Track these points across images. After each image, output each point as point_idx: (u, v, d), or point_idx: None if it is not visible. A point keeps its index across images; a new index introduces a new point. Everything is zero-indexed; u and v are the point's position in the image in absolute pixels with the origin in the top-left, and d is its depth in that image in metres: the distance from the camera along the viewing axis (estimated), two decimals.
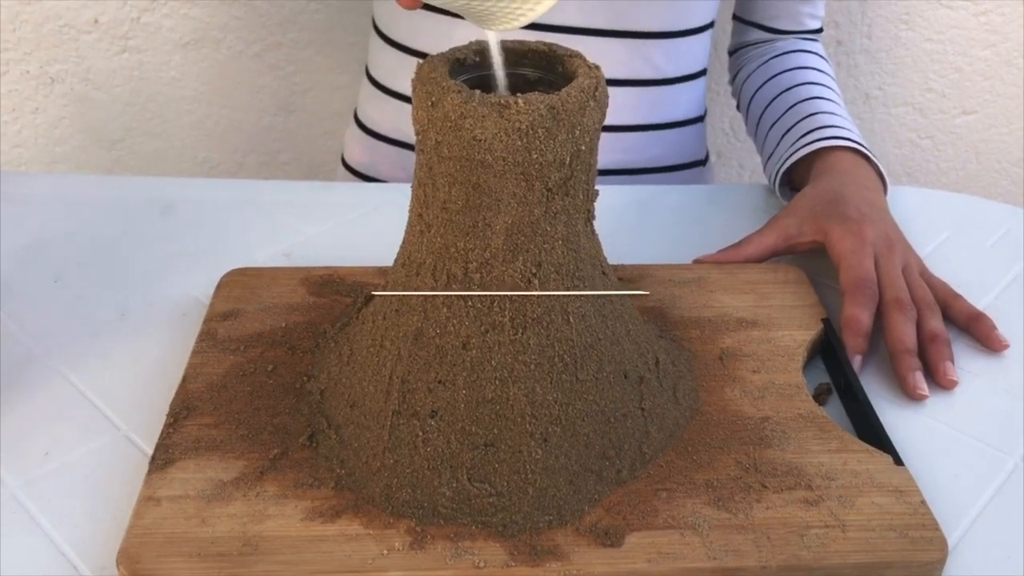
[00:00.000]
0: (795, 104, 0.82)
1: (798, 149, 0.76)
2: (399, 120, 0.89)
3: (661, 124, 0.88)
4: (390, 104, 0.89)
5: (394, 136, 0.90)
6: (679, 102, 0.89)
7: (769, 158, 0.81)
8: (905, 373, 0.59)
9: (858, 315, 0.61)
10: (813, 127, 0.78)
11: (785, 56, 0.89)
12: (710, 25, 0.89)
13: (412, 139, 0.87)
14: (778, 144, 0.80)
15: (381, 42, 0.89)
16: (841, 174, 0.72)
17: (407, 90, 0.86)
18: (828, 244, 0.66)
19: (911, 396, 0.58)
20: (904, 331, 0.60)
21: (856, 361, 0.59)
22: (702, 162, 0.95)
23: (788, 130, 0.80)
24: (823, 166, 0.74)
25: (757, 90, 0.88)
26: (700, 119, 0.94)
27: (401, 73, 0.88)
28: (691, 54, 0.88)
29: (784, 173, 0.77)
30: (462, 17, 0.80)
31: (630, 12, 0.81)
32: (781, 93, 0.85)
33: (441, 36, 0.83)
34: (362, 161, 0.94)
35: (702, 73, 0.92)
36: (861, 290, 0.62)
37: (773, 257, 0.69)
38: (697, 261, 0.68)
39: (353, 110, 0.97)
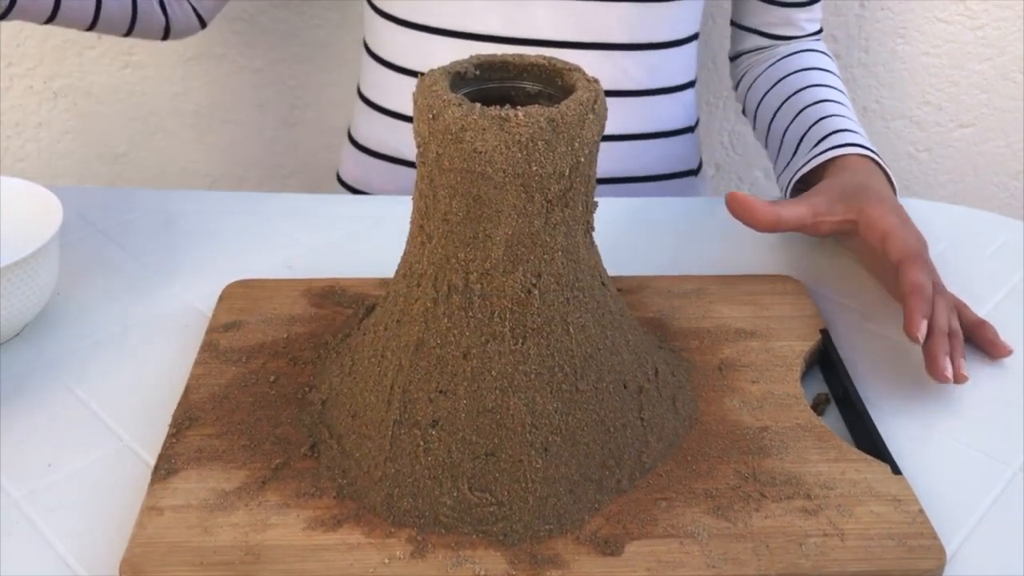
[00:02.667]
0: (804, 108, 0.81)
1: (813, 158, 0.75)
2: (387, 135, 0.90)
3: (644, 134, 0.88)
4: (377, 119, 0.90)
5: (383, 151, 0.91)
6: (662, 113, 0.89)
7: (785, 167, 0.80)
8: (937, 352, 0.59)
9: (923, 281, 0.61)
10: (825, 133, 0.77)
11: (789, 58, 0.88)
12: (690, 39, 0.89)
13: (401, 154, 0.89)
14: (794, 153, 0.79)
15: (368, 58, 0.91)
16: (860, 173, 0.72)
17: (393, 105, 0.88)
18: (867, 222, 0.65)
19: (937, 377, 0.58)
20: (943, 315, 0.60)
21: (923, 326, 0.59)
22: (694, 171, 0.94)
23: (801, 138, 0.79)
24: (839, 167, 0.73)
25: (764, 95, 0.87)
26: (689, 130, 0.93)
27: (384, 88, 0.89)
28: (670, 66, 0.87)
29: (798, 181, 0.77)
30: (445, 33, 0.81)
31: (597, 23, 0.81)
32: (789, 97, 0.84)
33: (424, 54, 0.84)
34: (355, 176, 0.95)
35: (688, 85, 0.91)
36: (920, 260, 0.62)
37: (796, 231, 0.67)
38: (731, 197, 0.65)
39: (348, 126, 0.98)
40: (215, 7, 0.88)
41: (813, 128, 0.79)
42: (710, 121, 1.24)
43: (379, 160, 0.91)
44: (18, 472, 0.53)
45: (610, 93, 0.84)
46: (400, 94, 0.88)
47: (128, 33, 0.80)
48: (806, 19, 0.90)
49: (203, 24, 0.88)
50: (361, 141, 0.93)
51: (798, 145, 0.79)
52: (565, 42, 0.81)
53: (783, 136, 0.82)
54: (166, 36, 0.84)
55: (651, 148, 0.89)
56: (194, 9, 0.86)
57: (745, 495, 0.50)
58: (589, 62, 0.81)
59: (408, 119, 0.87)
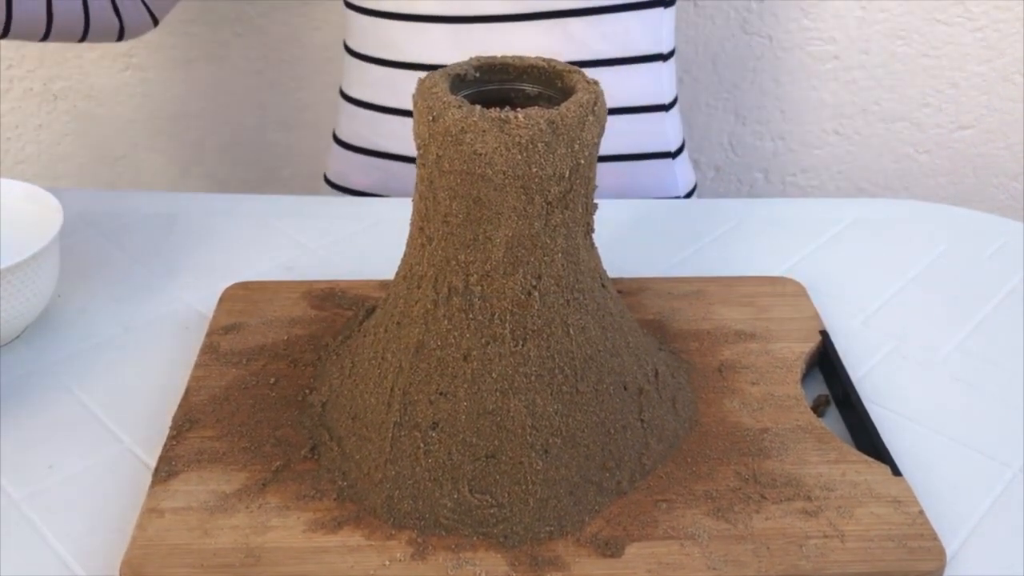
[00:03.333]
0: None
1: None
2: (363, 128, 0.90)
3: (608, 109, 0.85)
4: (353, 113, 0.91)
5: (360, 144, 0.91)
6: (626, 87, 0.85)
7: None
8: None
9: None
10: None
11: None
12: (653, 4, 0.85)
13: (376, 146, 0.90)
14: None
15: (353, 60, 0.91)
16: None
17: (364, 96, 0.88)
18: None
19: None
20: None
21: None
22: (670, 154, 0.90)
23: None
24: None
25: None
26: (662, 108, 0.89)
27: (374, 87, 0.89)
28: (628, 32, 0.84)
29: None
30: (392, 17, 0.81)
31: None
32: None
33: (380, 40, 0.84)
34: (336, 172, 0.95)
35: (658, 57, 0.87)
36: None
37: None
38: None
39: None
40: (168, 5, 0.87)
41: None
42: (709, 123, 1.24)
43: (356, 154, 0.92)
44: (19, 474, 0.53)
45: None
46: (365, 84, 0.89)
47: (83, 39, 0.80)
48: None
49: (156, 22, 0.87)
50: (343, 138, 0.94)
51: None
52: (508, 15, 0.80)
53: None
54: (121, 37, 0.83)
55: (615, 125, 0.85)
56: (147, 7, 0.85)
57: (745, 497, 0.50)
58: (539, 33, 0.80)
59: (378, 109, 0.88)
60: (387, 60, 0.86)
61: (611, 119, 0.85)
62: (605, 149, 0.86)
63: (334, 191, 0.96)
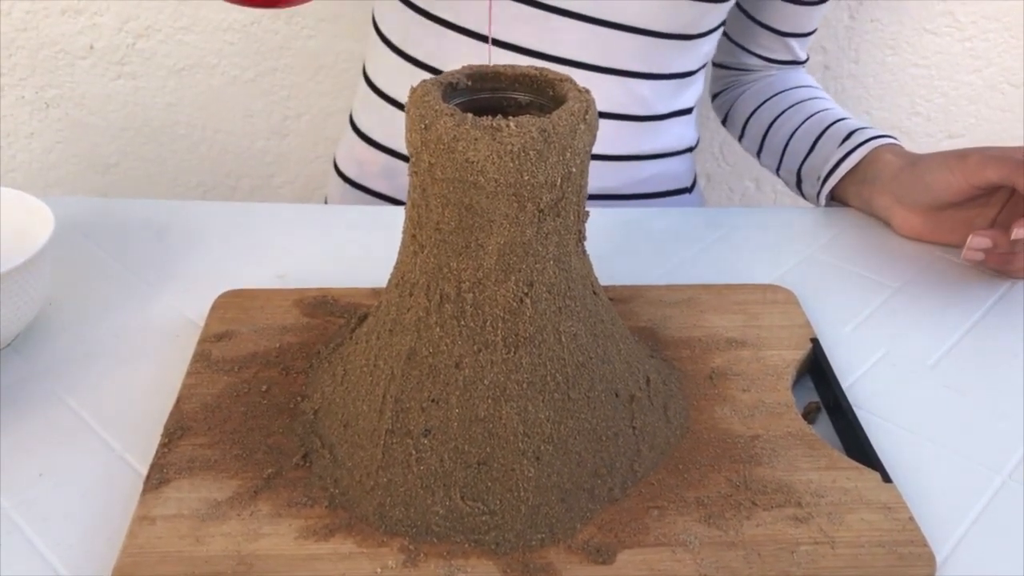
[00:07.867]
0: (815, 114, 0.88)
1: (856, 147, 0.80)
2: (388, 126, 0.89)
3: (648, 155, 0.89)
4: (380, 107, 0.90)
5: (383, 142, 0.90)
6: (670, 136, 0.90)
7: (802, 162, 0.87)
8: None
9: None
10: (850, 130, 0.83)
11: (781, 77, 0.95)
12: (704, 66, 0.91)
13: (400, 148, 0.88)
14: (810, 151, 0.86)
15: (378, 40, 0.90)
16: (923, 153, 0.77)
17: (397, 95, 0.88)
18: None
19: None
20: None
21: None
22: (688, 189, 0.96)
23: (818, 137, 0.85)
24: (890, 154, 0.78)
25: (761, 104, 0.93)
26: (690, 149, 0.95)
27: (391, 76, 0.88)
28: (683, 94, 0.90)
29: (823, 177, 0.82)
30: (455, 27, 0.81)
31: (618, 51, 0.82)
32: (793, 105, 0.90)
33: (443, 50, 0.84)
34: (351, 168, 0.94)
35: (694, 107, 0.94)
36: None
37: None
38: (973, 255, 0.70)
39: (349, 115, 0.97)
40: None
41: (831, 128, 0.85)
42: (701, 133, 1.25)
43: (377, 151, 0.91)
44: (9, 482, 0.53)
45: (623, 117, 0.86)
46: (407, 85, 0.87)
47: None
48: (800, 48, 0.95)
49: None
50: (360, 127, 0.93)
51: (814, 144, 0.85)
52: (584, 64, 0.82)
53: (790, 136, 0.88)
54: None
55: (653, 167, 0.90)
56: None
57: (736, 503, 0.50)
58: (608, 86, 0.84)
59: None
60: (438, 69, 0.85)
61: (650, 163, 0.89)
62: (638, 188, 0.90)
63: (345, 185, 0.95)
